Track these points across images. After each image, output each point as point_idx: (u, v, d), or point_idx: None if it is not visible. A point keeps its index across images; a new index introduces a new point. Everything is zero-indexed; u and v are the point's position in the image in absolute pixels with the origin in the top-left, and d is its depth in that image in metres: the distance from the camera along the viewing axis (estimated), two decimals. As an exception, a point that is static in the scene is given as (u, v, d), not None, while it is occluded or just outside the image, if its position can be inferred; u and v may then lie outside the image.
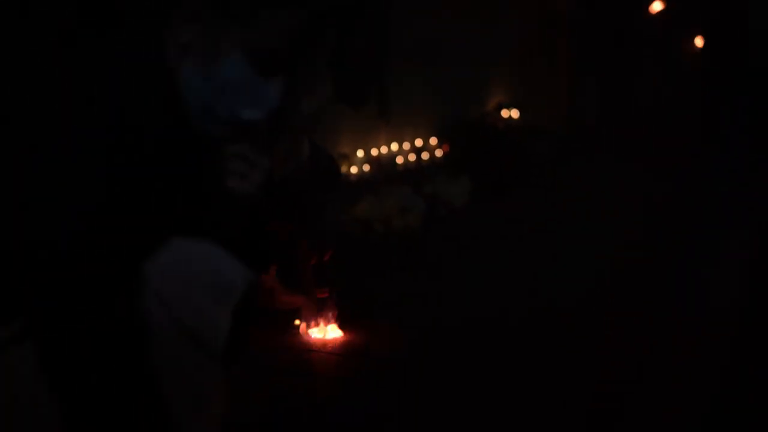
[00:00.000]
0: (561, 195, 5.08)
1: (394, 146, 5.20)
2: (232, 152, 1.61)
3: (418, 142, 5.36)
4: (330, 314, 2.77)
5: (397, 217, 4.39)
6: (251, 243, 1.63)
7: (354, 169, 4.72)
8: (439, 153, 5.43)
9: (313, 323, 2.75)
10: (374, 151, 5.01)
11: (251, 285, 1.56)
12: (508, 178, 5.27)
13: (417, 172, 5.12)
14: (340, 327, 2.78)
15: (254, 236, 1.70)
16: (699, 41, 6.32)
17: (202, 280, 1.48)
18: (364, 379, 2.38)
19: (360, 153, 4.85)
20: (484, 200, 5.02)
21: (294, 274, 3.09)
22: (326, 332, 2.76)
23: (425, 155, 5.35)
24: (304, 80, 1.58)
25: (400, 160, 5.18)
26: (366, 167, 4.86)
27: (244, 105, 1.56)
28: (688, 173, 4.44)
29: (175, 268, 1.46)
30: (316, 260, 2.70)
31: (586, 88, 6.59)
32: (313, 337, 2.76)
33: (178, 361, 1.42)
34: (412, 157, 5.27)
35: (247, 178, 1.60)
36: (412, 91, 5.08)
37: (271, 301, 3.03)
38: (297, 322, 2.84)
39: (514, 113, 6.05)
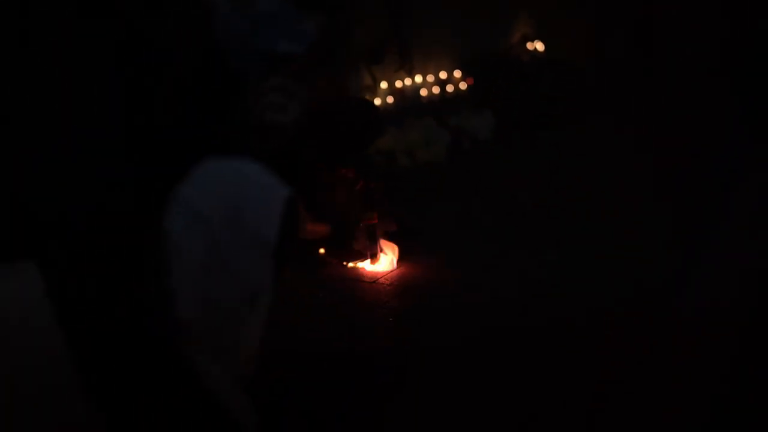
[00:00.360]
0: (586, 128, 5.07)
1: (418, 79, 5.19)
2: (271, 85, 1.67)
3: (443, 75, 5.35)
4: (379, 242, 2.74)
5: (421, 149, 4.42)
6: (284, 170, 1.69)
7: (378, 101, 4.73)
8: (463, 86, 5.42)
9: (361, 253, 2.74)
10: (398, 84, 5.01)
11: (292, 193, 1.61)
12: (533, 111, 5.26)
13: (441, 104, 5.12)
14: (388, 256, 2.76)
15: (286, 164, 1.76)
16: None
17: (243, 192, 1.54)
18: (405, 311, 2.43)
19: (384, 85, 4.86)
20: (508, 133, 5.03)
21: (320, 203, 3.15)
22: (376, 262, 2.74)
23: (450, 88, 5.34)
24: (343, 17, 1.61)
25: (424, 92, 5.18)
26: (390, 99, 4.88)
27: (282, 38, 1.61)
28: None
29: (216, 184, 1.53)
30: (363, 187, 2.68)
31: (613, 21, 6.48)
32: (361, 266, 2.75)
33: (235, 258, 1.50)
34: (436, 90, 5.27)
35: (285, 109, 1.66)
36: (436, 24, 5.05)
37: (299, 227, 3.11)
38: (321, 251, 2.88)
39: (539, 46, 5.98)
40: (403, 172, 4.16)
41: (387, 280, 2.64)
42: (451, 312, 2.36)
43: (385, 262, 2.73)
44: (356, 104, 3.29)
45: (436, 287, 2.56)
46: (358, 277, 2.70)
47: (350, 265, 2.71)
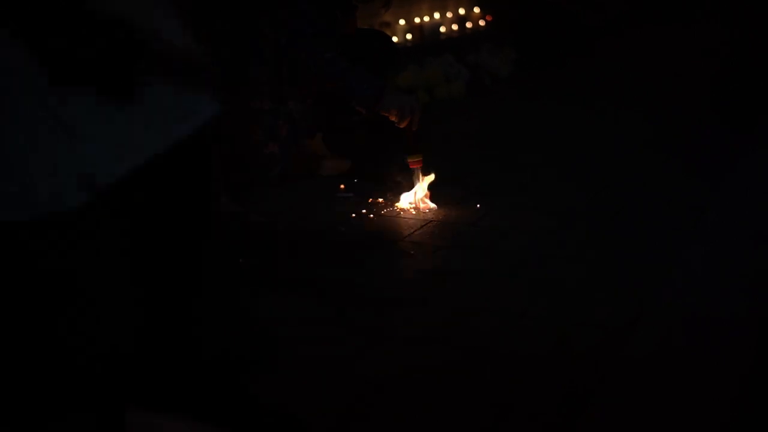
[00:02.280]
0: (608, 65, 4.98)
1: (437, 15, 5.08)
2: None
3: (461, 12, 5.24)
4: (423, 184, 2.66)
5: (440, 86, 4.34)
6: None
7: (396, 38, 4.63)
8: (482, 23, 5.31)
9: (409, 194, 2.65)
10: (416, 20, 4.90)
11: None
12: (554, 49, 5.16)
13: (461, 41, 5.01)
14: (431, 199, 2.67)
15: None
16: None
17: None
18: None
19: (402, 22, 4.75)
20: (528, 70, 4.94)
21: (341, 139, 3.10)
22: (419, 202, 2.64)
23: (469, 25, 5.23)
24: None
25: (443, 29, 5.07)
26: (408, 36, 4.77)
27: None
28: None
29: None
30: (409, 129, 2.64)
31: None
32: (407, 206, 2.64)
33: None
34: (455, 27, 5.16)
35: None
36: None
37: (316, 165, 3.06)
38: (342, 186, 2.85)
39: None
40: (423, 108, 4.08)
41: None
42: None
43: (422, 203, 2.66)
44: (371, 32, 3.25)
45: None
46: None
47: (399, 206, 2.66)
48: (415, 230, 2.43)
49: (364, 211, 2.64)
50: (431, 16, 5.03)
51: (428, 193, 2.65)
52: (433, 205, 2.64)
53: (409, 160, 2.63)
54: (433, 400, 1.52)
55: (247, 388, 1.43)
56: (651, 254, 2.18)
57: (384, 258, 2.25)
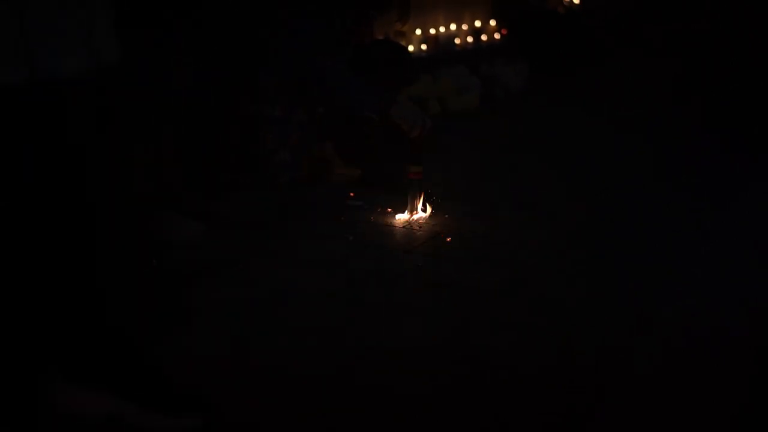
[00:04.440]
0: (618, 80, 5.00)
1: (453, 27, 5.11)
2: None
3: (477, 24, 5.26)
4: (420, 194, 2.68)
5: (453, 97, 4.35)
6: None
7: (411, 48, 4.65)
8: (497, 36, 5.33)
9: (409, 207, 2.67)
10: (432, 31, 4.93)
11: None
12: (567, 63, 5.18)
13: (475, 53, 5.03)
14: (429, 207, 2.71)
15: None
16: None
17: None
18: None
19: (418, 32, 4.78)
20: (541, 83, 4.95)
21: (352, 148, 3.12)
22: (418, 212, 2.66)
23: (484, 38, 5.25)
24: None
25: (458, 41, 5.10)
26: (423, 46, 4.80)
27: None
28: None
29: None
30: (415, 139, 2.65)
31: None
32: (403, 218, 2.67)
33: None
34: (470, 39, 5.18)
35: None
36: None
37: (327, 172, 3.08)
38: (351, 194, 2.87)
39: (576, -1, 5.88)
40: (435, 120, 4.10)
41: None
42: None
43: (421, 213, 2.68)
44: (387, 43, 3.26)
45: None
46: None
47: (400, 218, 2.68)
48: (422, 242, 2.45)
49: (372, 219, 2.66)
50: (447, 27, 5.05)
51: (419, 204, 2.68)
52: (425, 214, 2.68)
53: (411, 171, 2.65)
54: (433, 411, 1.55)
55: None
56: (653, 272, 2.19)
57: (389, 268, 2.27)
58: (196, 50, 2.65)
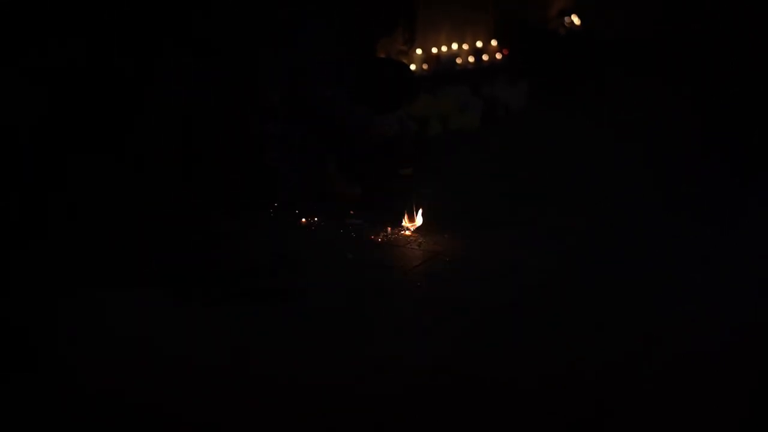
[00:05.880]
0: (620, 102, 5.01)
1: (454, 46, 5.13)
2: None
3: (479, 44, 5.29)
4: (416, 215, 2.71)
5: (454, 116, 4.37)
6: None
7: (413, 67, 4.67)
8: (499, 56, 5.36)
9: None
10: (434, 50, 4.95)
11: None
12: (568, 83, 5.20)
13: (476, 73, 5.05)
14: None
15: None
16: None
17: None
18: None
19: (419, 51, 4.80)
20: (542, 103, 4.97)
21: (355, 167, 3.12)
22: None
23: (485, 57, 5.28)
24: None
25: (459, 60, 5.12)
26: (425, 66, 4.82)
27: None
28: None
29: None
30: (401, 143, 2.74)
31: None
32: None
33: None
34: (471, 59, 5.21)
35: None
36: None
37: (330, 189, 3.08)
38: (352, 212, 2.87)
39: (576, 20, 5.91)
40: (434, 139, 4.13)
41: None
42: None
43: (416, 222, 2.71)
44: (389, 61, 3.29)
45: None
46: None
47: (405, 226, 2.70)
48: (422, 261, 2.45)
49: (372, 237, 2.66)
50: (449, 47, 5.08)
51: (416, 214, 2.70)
52: (418, 223, 2.70)
53: (403, 172, 2.70)
54: (433, 427, 1.54)
55: None
56: (654, 283, 2.22)
57: (388, 287, 2.27)
58: (196, 68, 2.67)
